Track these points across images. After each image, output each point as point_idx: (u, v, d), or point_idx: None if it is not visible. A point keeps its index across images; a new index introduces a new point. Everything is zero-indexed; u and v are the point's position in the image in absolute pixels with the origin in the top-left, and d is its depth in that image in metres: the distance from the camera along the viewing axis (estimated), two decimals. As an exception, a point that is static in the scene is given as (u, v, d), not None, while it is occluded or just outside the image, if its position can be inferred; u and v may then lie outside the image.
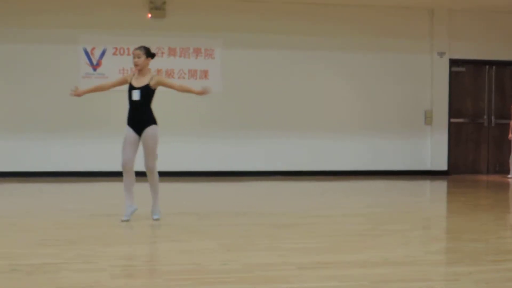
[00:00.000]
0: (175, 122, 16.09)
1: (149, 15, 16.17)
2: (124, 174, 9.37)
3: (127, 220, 9.28)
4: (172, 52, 16.27)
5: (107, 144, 15.83)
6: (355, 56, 17.20)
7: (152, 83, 9.24)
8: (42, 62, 15.77)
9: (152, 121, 9.32)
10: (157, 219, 9.49)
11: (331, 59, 17.08)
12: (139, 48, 9.28)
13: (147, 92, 9.21)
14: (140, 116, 9.26)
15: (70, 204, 11.45)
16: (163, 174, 15.91)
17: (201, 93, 9.48)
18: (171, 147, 15.87)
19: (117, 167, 15.66)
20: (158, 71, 15.70)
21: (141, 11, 16.23)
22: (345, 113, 17.23)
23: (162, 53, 16.19)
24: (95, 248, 7.33)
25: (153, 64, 16.12)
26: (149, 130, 9.27)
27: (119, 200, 12.07)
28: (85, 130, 15.92)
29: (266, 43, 16.70)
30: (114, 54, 16.01)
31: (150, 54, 9.32)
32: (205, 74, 16.37)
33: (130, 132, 9.24)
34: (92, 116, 15.93)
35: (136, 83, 9.26)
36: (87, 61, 15.90)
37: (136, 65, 9.25)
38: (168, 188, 14.64)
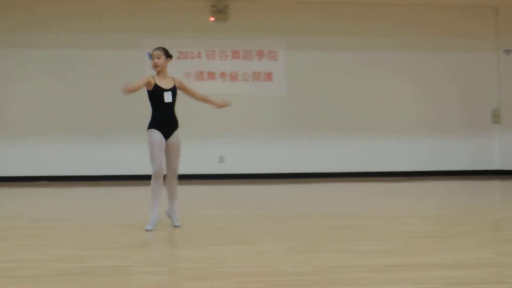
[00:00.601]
0: (239, 125, 16.13)
1: (212, 18, 16.22)
2: (156, 182, 8.98)
3: (152, 230, 8.90)
4: (235, 54, 16.30)
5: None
6: (419, 56, 17.02)
7: (177, 85, 9.15)
8: (107, 66, 15.95)
9: (178, 123, 9.21)
10: (179, 226, 9.23)
11: (394, 60, 16.94)
12: (158, 48, 9.07)
13: (175, 93, 9.09)
14: (172, 119, 9.11)
15: (136, 207, 11.53)
16: (231, 177, 16.06)
17: (222, 106, 9.60)
18: (237, 150, 15.93)
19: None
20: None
21: (204, 15, 16.30)
22: (409, 114, 17.06)
23: (226, 56, 16.23)
24: (164, 251, 7.36)
25: (217, 67, 16.27)
26: (177, 133, 9.16)
27: (183, 202, 12.15)
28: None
29: (329, 44, 16.62)
30: (178, 58, 16.10)
31: (169, 55, 9.15)
32: (268, 76, 16.36)
33: (160, 136, 8.99)
34: (144, 119, 16.04)
35: (164, 85, 9.05)
36: (151, 65, 16.00)
37: (156, 65, 9.00)
38: (236, 190, 14.68)
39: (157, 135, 8.96)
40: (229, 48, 16.27)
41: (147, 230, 8.82)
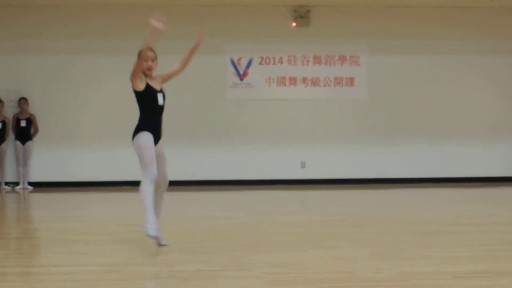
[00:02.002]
0: (320, 130, 16.15)
1: (294, 24, 16.27)
2: (152, 188, 7.86)
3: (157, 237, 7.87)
4: (317, 60, 16.31)
5: (251, 152, 16.08)
6: (501, 60, 16.71)
7: (163, 82, 8.29)
8: (191, 73, 16.14)
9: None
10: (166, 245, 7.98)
11: (478, 64, 16.69)
12: (151, 49, 8.22)
13: (165, 95, 8.19)
14: (161, 123, 8.17)
15: (217, 212, 11.66)
16: (313, 182, 16.07)
17: (198, 43, 8.68)
18: (318, 155, 15.98)
19: (252, 175, 16.10)
20: None
21: (285, 20, 16.36)
22: (489, 118, 16.77)
23: (308, 61, 16.27)
24: (246, 255, 7.43)
25: (299, 72, 16.31)
26: (160, 142, 8.22)
27: (265, 207, 12.23)
28: (230, 138, 16.15)
29: (412, 49, 16.49)
30: (260, 63, 16.21)
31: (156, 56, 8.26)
32: (351, 81, 16.33)
33: (152, 140, 8.01)
34: (234, 124, 16.16)
35: (156, 86, 8.07)
36: (234, 71, 16.17)
37: (150, 69, 8.01)
38: (317, 195, 14.70)
39: (149, 137, 7.94)
40: (311, 53, 16.29)
41: (161, 245, 7.88)
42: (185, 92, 15.96)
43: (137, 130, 7.87)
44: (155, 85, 8.03)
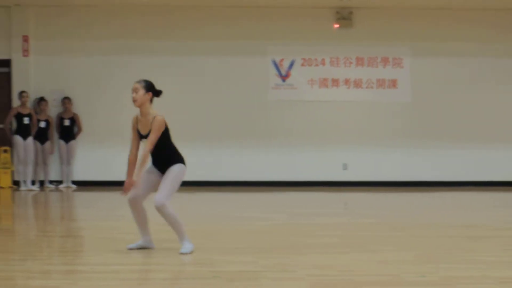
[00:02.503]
0: (362, 132, 16.09)
1: (336, 25, 16.21)
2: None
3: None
4: (359, 61, 16.24)
5: (292, 153, 16.07)
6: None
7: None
8: (233, 74, 16.17)
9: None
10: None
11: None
12: (139, 81, 7.87)
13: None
14: (158, 159, 7.93)
15: (259, 213, 11.66)
16: (355, 184, 16.01)
17: (126, 187, 7.82)
18: (360, 157, 15.94)
19: (294, 177, 16.08)
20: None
21: (328, 22, 16.31)
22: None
23: (350, 63, 16.21)
24: (290, 257, 7.41)
25: (342, 74, 16.26)
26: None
27: (306, 209, 12.21)
28: (271, 140, 16.14)
29: (455, 51, 16.34)
30: (302, 65, 16.18)
31: (150, 89, 7.89)
32: (393, 83, 16.23)
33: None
34: (275, 126, 16.14)
35: (142, 129, 7.92)
36: (276, 72, 16.16)
37: (133, 100, 7.76)
38: (359, 197, 14.64)
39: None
40: (353, 55, 16.21)
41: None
42: (227, 93, 16.00)
43: (181, 161, 8.00)
44: (143, 128, 7.94)
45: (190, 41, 16.12)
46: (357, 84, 16.22)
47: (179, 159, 7.91)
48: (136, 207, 7.92)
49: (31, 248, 8.30)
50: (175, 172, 7.81)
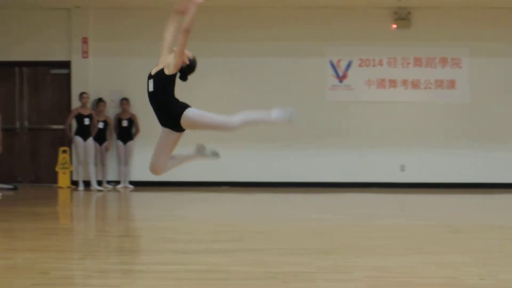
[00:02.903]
0: (420, 133, 15.94)
1: (394, 26, 16.08)
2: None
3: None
4: (417, 62, 16.09)
5: (349, 154, 15.99)
6: None
7: (165, 67, 7.52)
8: (290, 74, 16.14)
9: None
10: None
11: None
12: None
13: (162, 79, 7.51)
14: (159, 111, 7.64)
15: (315, 214, 11.62)
16: (412, 186, 15.86)
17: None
18: (418, 158, 15.81)
19: (350, 178, 15.98)
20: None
21: (385, 22, 16.19)
22: None
23: (408, 63, 16.07)
24: (346, 258, 7.36)
25: (399, 74, 16.12)
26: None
27: (363, 210, 12.13)
28: (328, 140, 16.07)
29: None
30: (360, 65, 16.08)
31: None
32: (452, 84, 16.04)
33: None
34: (332, 126, 16.06)
35: (153, 71, 7.71)
36: (333, 73, 16.09)
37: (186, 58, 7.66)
38: (417, 199, 14.51)
39: None
40: (411, 55, 16.06)
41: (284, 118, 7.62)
42: (285, 93, 15.96)
43: (187, 106, 7.53)
44: (153, 70, 7.64)
45: (249, 43, 16.14)
46: (415, 84, 16.07)
47: (184, 106, 7.51)
48: (165, 168, 7.73)
49: (90, 247, 8.40)
50: (195, 116, 7.47)
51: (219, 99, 15.79)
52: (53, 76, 16.57)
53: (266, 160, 16.12)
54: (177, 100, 7.51)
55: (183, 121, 7.47)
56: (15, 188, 15.58)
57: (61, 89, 16.55)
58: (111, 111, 16.21)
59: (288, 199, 14.37)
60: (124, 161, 16.11)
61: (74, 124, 15.80)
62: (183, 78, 7.63)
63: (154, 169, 7.73)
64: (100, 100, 15.95)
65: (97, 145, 15.94)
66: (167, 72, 7.41)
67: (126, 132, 16.11)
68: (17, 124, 16.37)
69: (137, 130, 16.16)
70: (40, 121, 16.61)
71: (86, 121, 15.66)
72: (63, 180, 16.03)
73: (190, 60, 7.60)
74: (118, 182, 16.18)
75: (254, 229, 9.91)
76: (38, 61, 16.46)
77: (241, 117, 7.63)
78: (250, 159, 16.19)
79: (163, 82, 7.42)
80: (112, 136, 16.11)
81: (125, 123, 16.08)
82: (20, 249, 8.18)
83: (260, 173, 15.99)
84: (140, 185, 16.00)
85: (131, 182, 16.13)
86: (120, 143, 16.07)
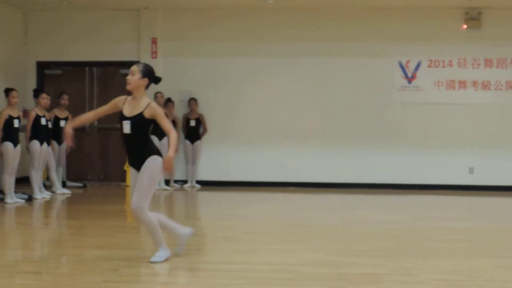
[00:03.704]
0: (490, 135, 15.68)
1: (465, 26, 15.87)
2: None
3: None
4: (488, 63, 15.83)
5: (417, 156, 15.82)
6: None
7: (146, 113, 7.19)
8: (358, 75, 16.04)
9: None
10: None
11: None
12: (138, 64, 7.44)
13: (140, 123, 7.22)
14: (132, 153, 7.32)
15: (382, 216, 11.53)
16: (481, 188, 15.63)
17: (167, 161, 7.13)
18: (487, 161, 15.56)
19: (418, 179, 15.82)
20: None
21: (455, 22, 15.96)
22: None
23: (478, 64, 15.82)
24: (415, 261, 7.31)
25: (469, 75, 15.90)
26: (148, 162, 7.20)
27: (431, 213, 12.00)
28: (396, 141, 15.93)
29: None
30: (429, 66, 15.89)
31: (148, 75, 7.35)
32: (523, 85, 15.77)
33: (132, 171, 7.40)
34: (401, 127, 15.90)
35: (128, 111, 7.29)
36: (402, 74, 15.93)
37: (127, 83, 7.26)
38: (486, 202, 14.30)
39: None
40: (482, 56, 15.80)
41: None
42: (352, 94, 15.87)
43: (156, 153, 7.27)
44: (128, 110, 7.31)
45: (315, 42, 16.08)
46: (485, 86, 15.82)
47: (153, 151, 7.24)
48: (146, 216, 7.19)
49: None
50: (149, 168, 7.12)
51: (288, 99, 15.82)
52: (122, 76, 16.76)
53: (333, 161, 16.05)
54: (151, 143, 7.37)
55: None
56: (84, 186, 15.85)
57: (130, 89, 16.74)
58: (179, 111, 16.32)
59: (356, 201, 14.26)
60: (192, 160, 16.22)
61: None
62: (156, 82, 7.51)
63: (133, 209, 7.16)
64: (168, 100, 16.09)
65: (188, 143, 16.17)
66: (147, 116, 7.22)
67: (194, 131, 16.20)
68: (87, 124, 16.63)
69: (205, 130, 16.25)
70: (109, 120, 16.75)
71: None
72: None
73: (149, 72, 7.45)
74: (185, 182, 16.30)
75: (320, 229, 9.90)
76: (108, 61, 16.68)
77: (153, 219, 7.21)
78: (317, 161, 16.14)
79: (141, 126, 7.25)
80: (180, 136, 16.23)
81: (193, 123, 16.18)
82: (89, 246, 8.32)
83: (326, 174, 15.94)
84: (206, 184, 16.10)
85: (198, 182, 16.25)
86: (187, 142, 16.18)
